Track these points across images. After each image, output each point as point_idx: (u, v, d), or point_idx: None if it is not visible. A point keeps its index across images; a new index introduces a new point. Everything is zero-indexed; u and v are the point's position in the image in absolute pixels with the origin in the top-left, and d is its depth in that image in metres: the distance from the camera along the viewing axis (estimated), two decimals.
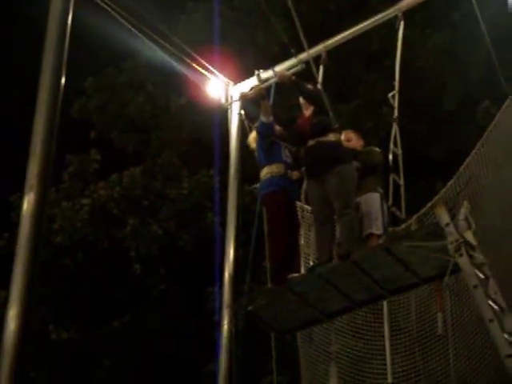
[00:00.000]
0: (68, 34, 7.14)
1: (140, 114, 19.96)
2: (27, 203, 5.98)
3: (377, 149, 9.13)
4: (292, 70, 9.68)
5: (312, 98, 8.71)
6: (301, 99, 8.90)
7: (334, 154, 8.33)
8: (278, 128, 9.05)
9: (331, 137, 8.45)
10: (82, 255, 18.11)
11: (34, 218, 5.87)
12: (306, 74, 9.72)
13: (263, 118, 8.92)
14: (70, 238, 17.90)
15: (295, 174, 8.91)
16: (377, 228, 8.51)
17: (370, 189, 8.66)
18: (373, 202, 8.60)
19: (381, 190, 8.66)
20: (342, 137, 8.88)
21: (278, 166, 8.83)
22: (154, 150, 19.95)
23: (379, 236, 8.47)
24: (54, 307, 17.63)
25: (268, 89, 9.97)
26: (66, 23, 7.10)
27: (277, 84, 9.84)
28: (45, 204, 6.02)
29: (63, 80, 6.76)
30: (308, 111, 8.76)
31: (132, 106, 19.99)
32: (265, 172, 8.88)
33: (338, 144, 8.50)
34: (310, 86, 8.83)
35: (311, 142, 8.47)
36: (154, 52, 10.60)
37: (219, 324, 10.16)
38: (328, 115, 8.53)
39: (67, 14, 7.16)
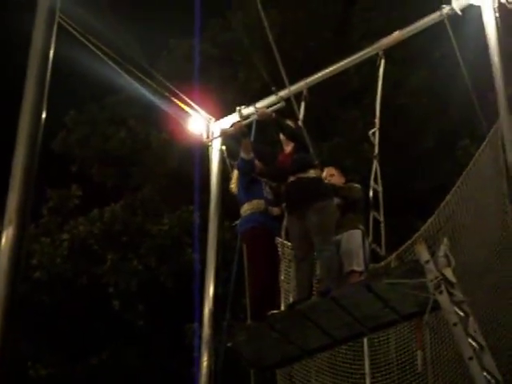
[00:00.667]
0: (49, 69, 7.10)
1: (121, 149, 19.96)
2: (6, 238, 5.87)
3: (357, 185, 9.16)
4: (273, 108, 9.71)
5: (292, 136, 8.75)
6: (281, 136, 8.92)
7: (314, 189, 8.36)
8: (258, 164, 9.06)
9: (312, 173, 8.48)
10: (61, 291, 17.96)
11: (12, 253, 5.77)
12: (287, 109, 9.80)
13: (243, 155, 8.93)
14: (49, 274, 17.76)
15: (275, 211, 8.90)
16: (358, 265, 8.51)
17: (351, 226, 8.67)
18: (354, 239, 8.61)
19: (362, 227, 8.67)
20: (325, 173, 8.92)
21: (259, 202, 8.83)
22: (134, 184, 19.93)
23: (361, 273, 8.47)
24: (32, 344, 17.47)
25: (249, 125, 10.01)
26: (47, 58, 7.08)
27: (258, 121, 9.88)
28: (24, 239, 5.91)
29: (44, 114, 6.73)
30: (288, 147, 8.79)
31: (113, 141, 20.00)
32: (245, 208, 8.87)
33: (318, 180, 8.53)
34: (290, 123, 8.87)
35: (292, 178, 8.50)
36: (135, 88, 10.64)
37: (198, 360, 10.11)
38: (308, 152, 8.58)
39: (49, 49, 7.14)
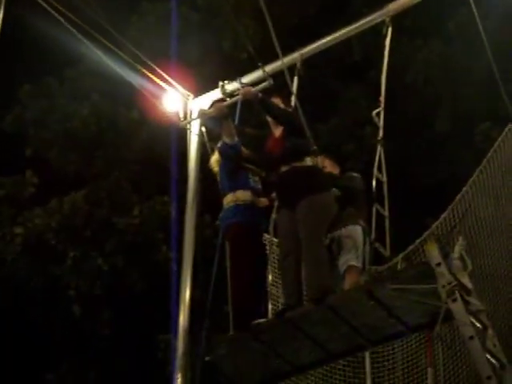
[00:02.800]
0: None
1: (84, 129, 19.85)
2: None
3: (357, 174, 9.15)
4: (260, 86, 9.65)
5: (281, 119, 8.70)
6: (268, 118, 8.88)
7: (310, 181, 8.34)
8: (244, 150, 9.04)
9: (308, 161, 8.46)
10: (12, 295, 17.88)
11: None
12: (278, 85, 9.78)
13: (226, 139, 8.92)
14: None
15: (263, 201, 8.93)
16: (357, 261, 8.54)
17: (350, 221, 8.67)
18: (353, 234, 8.61)
19: (362, 223, 8.67)
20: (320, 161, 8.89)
21: (245, 193, 8.85)
22: (99, 171, 19.84)
23: (361, 271, 8.49)
24: None
25: (233, 105, 10.00)
26: None
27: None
28: None
29: None
30: (278, 131, 8.74)
31: (75, 120, 19.90)
32: (228, 200, 8.87)
33: (315, 170, 8.51)
34: (279, 103, 8.83)
35: (284, 168, 8.46)
36: (100, 58, 10.60)
37: (172, 377, 10.15)
38: (302, 136, 8.56)
39: None
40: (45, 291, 17.94)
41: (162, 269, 16.85)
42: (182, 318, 10.39)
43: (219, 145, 9.20)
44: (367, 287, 8.08)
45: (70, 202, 18.47)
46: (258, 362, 8.73)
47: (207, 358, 8.97)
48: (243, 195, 8.83)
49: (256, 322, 8.36)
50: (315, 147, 8.62)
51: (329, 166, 9.08)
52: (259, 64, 9.87)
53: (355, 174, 9.17)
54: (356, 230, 8.63)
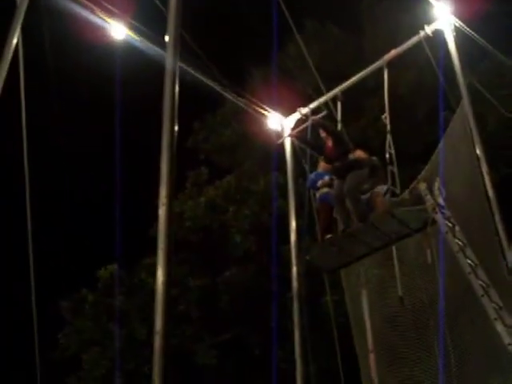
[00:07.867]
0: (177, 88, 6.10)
1: None
2: (162, 214, 5.58)
3: (375, 157, 9.01)
4: (320, 115, 9.57)
5: (332, 133, 8.75)
6: (321, 132, 8.81)
7: (353, 166, 8.45)
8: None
9: (350, 156, 8.58)
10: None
11: (167, 227, 5.52)
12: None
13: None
14: None
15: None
16: (380, 188, 8.53)
17: (378, 184, 8.68)
18: (380, 190, 8.63)
19: (384, 187, 8.55)
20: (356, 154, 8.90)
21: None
22: None
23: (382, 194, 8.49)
24: None
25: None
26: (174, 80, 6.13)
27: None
28: (172, 215, 5.59)
29: (176, 127, 6.02)
30: (329, 141, 8.73)
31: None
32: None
33: (355, 160, 8.58)
34: (328, 124, 8.91)
35: (337, 163, 8.56)
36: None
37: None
38: (343, 141, 8.69)
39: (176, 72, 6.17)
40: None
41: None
42: (293, 238, 10.65)
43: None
44: (390, 211, 8.24)
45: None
46: (335, 257, 8.88)
47: (307, 257, 9.27)
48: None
49: (328, 236, 8.66)
50: (352, 146, 8.68)
51: (362, 154, 8.90)
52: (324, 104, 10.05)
53: (374, 158, 9.00)
54: (382, 188, 8.70)
